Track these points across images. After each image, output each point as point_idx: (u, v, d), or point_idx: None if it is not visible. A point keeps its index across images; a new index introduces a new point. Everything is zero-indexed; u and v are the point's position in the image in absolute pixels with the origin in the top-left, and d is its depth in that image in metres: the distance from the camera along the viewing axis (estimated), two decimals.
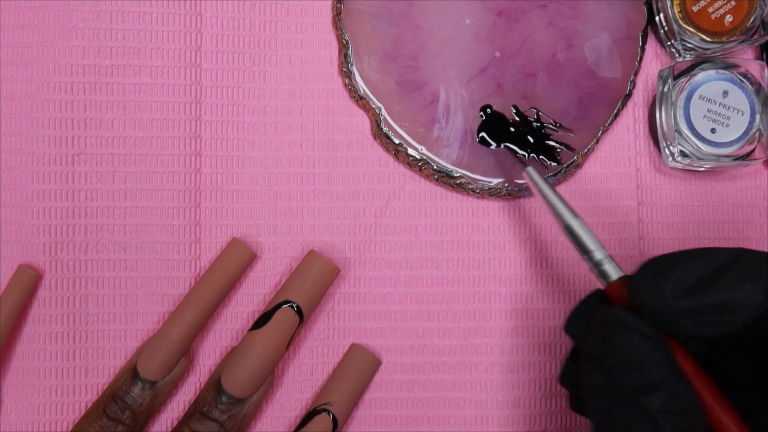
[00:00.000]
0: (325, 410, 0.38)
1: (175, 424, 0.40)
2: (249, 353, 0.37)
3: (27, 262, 0.40)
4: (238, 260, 0.39)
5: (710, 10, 0.41)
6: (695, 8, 0.41)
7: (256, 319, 0.38)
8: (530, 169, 0.38)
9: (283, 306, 0.38)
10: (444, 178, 0.41)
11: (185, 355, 0.39)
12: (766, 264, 0.30)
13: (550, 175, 0.41)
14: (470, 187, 0.41)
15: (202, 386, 0.40)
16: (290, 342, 0.38)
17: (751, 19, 0.41)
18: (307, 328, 0.41)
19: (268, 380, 0.39)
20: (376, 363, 0.41)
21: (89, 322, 0.40)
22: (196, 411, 0.38)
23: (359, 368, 0.40)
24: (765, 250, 0.42)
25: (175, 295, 0.41)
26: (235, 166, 0.41)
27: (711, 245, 0.42)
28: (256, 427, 0.41)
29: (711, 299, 0.30)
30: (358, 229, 0.42)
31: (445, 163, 0.41)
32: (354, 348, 0.41)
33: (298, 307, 0.38)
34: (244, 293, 0.41)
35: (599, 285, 0.43)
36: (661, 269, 0.31)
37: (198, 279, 0.40)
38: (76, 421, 0.39)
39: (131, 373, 0.38)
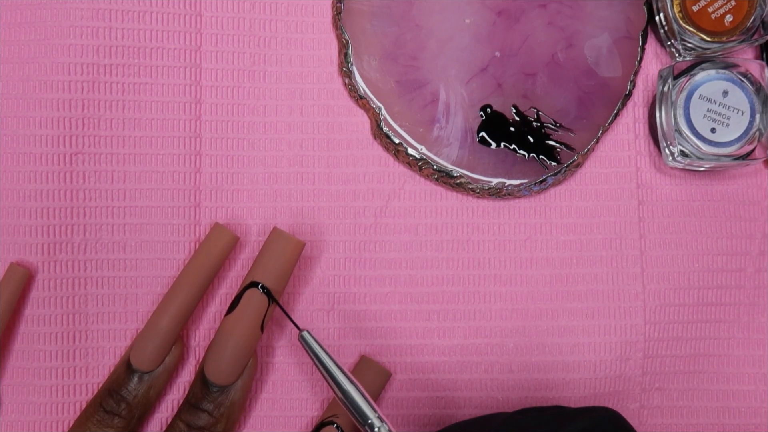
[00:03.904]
0: (332, 422, 0.38)
1: None
2: (223, 339, 0.37)
3: (20, 261, 0.40)
4: (221, 244, 0.39)
5: (710, 9, 0.41)
6: (695, 8, 0.41)
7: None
8: (305, 333, 0.36)
9: (250, 288, 0.38)
10: (444, 177, 0.41)
11: (177, 343, 0.39)
12: None
13: (551, 175, 0.41)
14: (470, 186, 0.41)
15: None
16: (263, 323, 0.38)
17: (751, 19, 0.41)
18: (306, 328, 0.41)
19: (250, 364, 0.38)
20: (386, 375, 0.40)
21: (89, 322, 0.40)
22: (187, 403, 0.38)
23: (369, 381, 0.40)
24: (765, 249, 0.42)
25: None
26: (235, 165, 0.41)
27: (712, 244, 0.43)
28: (255, 427, 0.41)
29: None
30: (357, 229, 0.42)
31: (445, 163, 0.41)
32: (364, 360, 0.40)
33: (264, 287, 0.37)
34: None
35: (600, 284, 0.43)
36: None
37: (183, 266, 0.39)
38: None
39: (125, 366, 0.38)
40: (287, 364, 0.41)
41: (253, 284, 0.37)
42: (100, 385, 0.40)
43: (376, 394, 0.40)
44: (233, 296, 0.38)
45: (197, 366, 0.41)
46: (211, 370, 0.38)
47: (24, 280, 0.39)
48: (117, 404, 0.38)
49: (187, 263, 0.39)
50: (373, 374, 0.40)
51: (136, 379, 0.38)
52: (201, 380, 0.38)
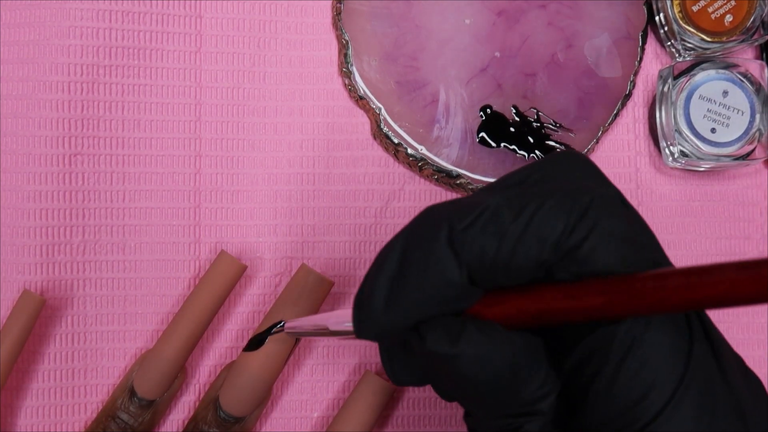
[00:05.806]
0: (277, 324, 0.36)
1: None
2: (247, 375, 0.37)
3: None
4: (228, 274, 0.38)
5: (710, 9, 0.41)
6: (695, 8, 0.41)
7: (249, 337, 0.37)
8: (284, 330, 0.33)
9: (278, 327, 0.36)
10: (444, 178, 0.41)
11: (180, 370, 0.39)
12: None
13: None
14: (470, 187, 0.41)
15: (197, 404, 0.40)
16: (287, 359, 0.38)
17: (751, 19, 0.41)
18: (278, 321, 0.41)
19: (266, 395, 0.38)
20: (391, 390, 0.39)
21: (88, 323, 0.40)
22: (196, 429, 0.38)
23: (372, 398, 0.38)
24: (766, 249, 0.42)
25: (174, 295, 0.40)
26: (236, 166, 0.41)
27: (712, 244, 0.43)
28: (255, 428, 0.41)
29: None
30: (358, 230, 0.42)
31: (445, 164, 0.41)
32: (368, 376, 0.39)
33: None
34: (245, 294, 0.41)
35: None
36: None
37: (189, 294, 0.39)
38: None
39: (128, 391, 0.38)
40: (287, 365, 0.41)
41: (280, 322, 0.36)
42: (102, 390, 0.40)
43: (380, 409, 0.39)
44: (252, 331, 0.37)
45: (205, 391, 0.40)
46: (228, 402, 0.37)
47: (38, 307, 0.37)
48: (121, 430, 0.38)
49: (193, 292, 0.38)
50: (377, 389, 0.39)
51: (139, 405, 0.38)
52: (213, 408, 0.38)
